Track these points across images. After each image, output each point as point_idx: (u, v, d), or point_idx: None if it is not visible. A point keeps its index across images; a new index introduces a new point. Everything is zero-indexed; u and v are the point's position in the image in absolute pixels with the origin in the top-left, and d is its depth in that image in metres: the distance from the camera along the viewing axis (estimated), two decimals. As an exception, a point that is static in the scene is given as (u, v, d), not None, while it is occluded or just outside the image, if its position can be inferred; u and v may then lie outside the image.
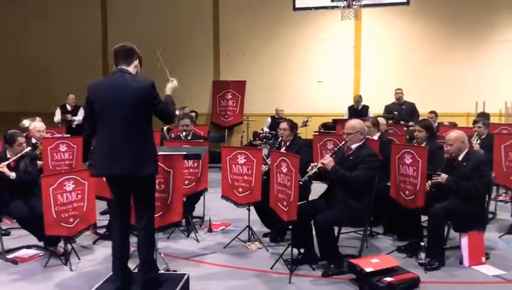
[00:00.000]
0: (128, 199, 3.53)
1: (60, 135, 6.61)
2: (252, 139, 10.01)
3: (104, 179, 4.40)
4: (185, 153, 4.05)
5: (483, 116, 7.45)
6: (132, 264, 3.76)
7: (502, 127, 6.96)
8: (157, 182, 3.86)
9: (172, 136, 6.73)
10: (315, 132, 8.82)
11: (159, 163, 3.65)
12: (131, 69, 3.46)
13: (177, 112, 6.82)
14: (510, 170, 5.04)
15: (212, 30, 11.63)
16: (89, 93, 3.46)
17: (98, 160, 3.45)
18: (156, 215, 3.86)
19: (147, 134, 3.47)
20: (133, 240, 3.72)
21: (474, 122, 6.51)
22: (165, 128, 7.10)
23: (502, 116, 10.20)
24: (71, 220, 4.34)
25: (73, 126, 9.37)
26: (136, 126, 3.38)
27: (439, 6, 10.52)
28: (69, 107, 9.60)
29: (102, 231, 5.29)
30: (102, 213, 5.85)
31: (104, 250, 4.82)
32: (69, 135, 7.03)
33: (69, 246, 4.50)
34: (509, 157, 5.04)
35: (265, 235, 5.22)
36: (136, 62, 3.49)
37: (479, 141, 6.05)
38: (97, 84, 3.51)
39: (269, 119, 10.12)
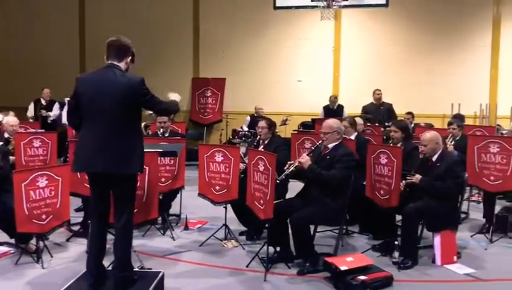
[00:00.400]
0: (109, 196, 3.48)
1: (33, 130, 6.48)
2: (231, 137, 10.00)
3: (79, 175, 4.37)
4: (160, 150, 4.01)
5: (458, 118, 7.61)
6: (106, 262, 3.71)
7: (476, 128, 7.10)
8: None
9: (150, 133, 6.68)
10: (294, 130, 8.85)
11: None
12: (123, 65, 3.40)
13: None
14: (483, 170, 5.14)
15: (192, 27, 11.55)
16: (76, 85, 3.40)
17: (81, 155, 3.37)
18: (131, 213, 3.82)
19: (134, 131, 3.42)
20: (109, 237, 3.68)
21: (449, 123, 6.63)
22: (143, 124, 7.04)
23: (477, 118, 10.43)
24: (44, 217, 4.27)
25: (49, 122, 9.21)
26: (123, 123, 3.32)
27: (418, 9, 10.67)
28: (43, 102, 9.43)
29: (76, 228, 5.21)
30: (77, 210, 5.77)
31: (78, 247, 4.75)
32: (43, 130, 6.90)
33: (41, 244, 4.42)
34: (482, 159, 5.14)
35: (241, 233, 5.21)
36: (128, 59, 3.43)
37: (453, 142, 6.17)
38: (86, 77, 3.44)
39: (248, 118, 10.11)
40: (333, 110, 9.80)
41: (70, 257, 4.55)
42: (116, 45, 3.39)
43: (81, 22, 12.01)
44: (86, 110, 3.34)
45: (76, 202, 5.60)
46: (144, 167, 3.95)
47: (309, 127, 9.47)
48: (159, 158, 4.90)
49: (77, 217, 5.39)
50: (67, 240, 4.99)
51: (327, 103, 10.26)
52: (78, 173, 4.62)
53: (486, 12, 10.41)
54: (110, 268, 3.67)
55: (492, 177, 5.08)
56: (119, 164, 3.30)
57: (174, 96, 3.71)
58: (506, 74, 10.35)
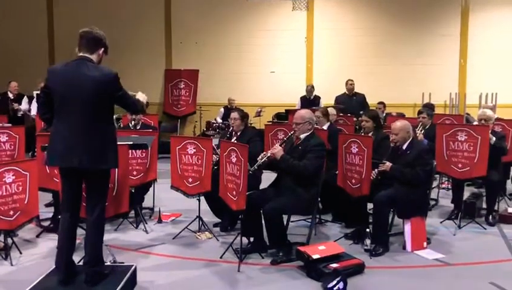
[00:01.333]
0: (81, 191, 3.44)
1: (0, 124, 6.31)
2: (205, 129, 9.96)
3: (48, 170, 4.28)
4: (130, 142, 3.95)
5: (428, 107, 7.75)
6: (77, 257, 3.66)
7: (445, 117, 7.25)
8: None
9: (122, 125, 6.58)
10: (268, 121, 8.87)
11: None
12: (95, 57, 3.33)
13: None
14: (451, 158, 5.25)
15: (163, 18, 11.40)
16: (47, 77, 3.32)
17: (55, 149, 3.30)
18: (101, 207, 3.77)
19: (108, 126, 3.37)
20: (80, 232, 3.63)
21: (419, 112, 6.75)
22: (114, 117, 6.91)
23: (447, 107, 10.65)
24: (11, 213, 4.17)
25: (19, 115, 8.98)
26: (97, 117, 3.26)
27: (389, -1, 10.81)
28: (11, 96, 9.18)
29: (47, 223, 5.11)
30: (48, 205, 5.67)
31: (48, 243, 4.66)
32: (10, 125, 6.72)
33: (9, 240, 4.32)
34: (450, 147, 5.25)
35: (215, 225, 5.21)
36: (101, 51, 3.37)
37: (423, 131, 6.29)
38: (57, 69, 3.34)
39: (222, 109, 10.09)
40: (310, 100, 9.83)
41: (41, 253, 4.47)
42: (89, 37, 3.32)
43: (50, 14, 11.70)
44: (58, 104, 3.27)
45: (47, 197, 5.50)
46: (114, 160, 3.92)
47: (283, 118, 9.50)
48: (130, 151, 4.86)
49: (48, 213, 5.30)
50: (38, 236, 4.89)
51: (302, 93, 10.30)
52: (47, 168, 4.55)
53: (455, 2, 10.61)
54: (80, 263, 3.61)
55: (460, 165, 5.20)
56: (96, 159, 3.26)
57: (141, 97, 3.66)
58: (474, 64, 10.60)
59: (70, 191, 3.39)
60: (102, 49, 3.37)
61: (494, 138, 5.28)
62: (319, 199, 5.11)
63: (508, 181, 6.70)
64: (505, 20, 10.43)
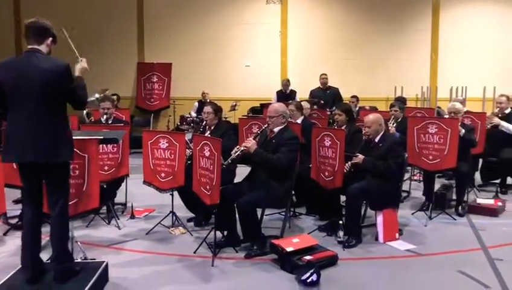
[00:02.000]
0: (41, 186, 3.36)
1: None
2: (178, 123, 9.87)
3: (15, 166, 4.15)
4: (101, 137, 3.87)
5: (400, 101, 7.86)
6: (44, 255, 3.57)
7: (416, 110, 7.35)
8: (71, 167, 3.69)
9: (93, 120, 6.46)
10: (243, 116, 8.85)
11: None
12: (43, 48, 3.25)
13: (97, 96, 6.56)
14: (422, 150, 5.34)
15: (136, 10, 11.21)
16: None
17: (9, 145, 3.22)
18: (70, 203, 3.69)
19: (61, 118, 3.29)
20: (46, 229, 3.54)
21: (391, 106, 6.85)
22: (85, 111, 6.79)
23: (419, 101, 10.83)
24: (-24, 210, 4.04)
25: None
26: (50, 110, 3.19)
27: (361, -6, 10.90)
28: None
29: (14, 221, 4.97)
30: (16, 202, 5.52)
31: (16, 241, 4.51)
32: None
33: (-25, 239, 4.20)
34: (421, 139, 5.34)
35: (189, 219, 5.17)
36: (49, 41, 3.28)
37: (395, 124, 6.37)
38: (6, 63, 3.25)
39: (196, 103, 10.01)
40: (286, 94, 9.83)
41: (8, 251, 4.35)
42: (35, 27, 3.24)
43: (16, 5, 11.33)
44: (10, 98, 3.18)
45: (14, 194, 5.34)
46: (83, 154, 3.84)
47: (258, 112, 9.49)
48: (100, 146, 4.76)
49: (15, 210, 5.16)
50: (5, 233, 4.76)
51: (276, 88, 10.31)
52: (14, 164, 4.41)
53: (425, -2, 10.79)
54: (48, 261, 3.53)
55: (430, 157, 5.29)
56: (50, 153, 3.19)
57: (80, 65, 3.48)
58: (445, 58, 10.82)
59: (30, 186, 3.32)
60: (50, 38, 3.29)
61: (463, 131, 5.39)
62: (293, 192, 5.13)
63: (477, 173, 6.85)
64: (475, 16, 10.67)
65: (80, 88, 3.33)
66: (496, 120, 6.37)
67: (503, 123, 6.38)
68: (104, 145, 4.93)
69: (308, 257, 3.89)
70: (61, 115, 3.29)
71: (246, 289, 3.63)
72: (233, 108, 9.93)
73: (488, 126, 6.37)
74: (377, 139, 4.74)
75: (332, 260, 4.02)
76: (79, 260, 3.73)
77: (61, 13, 10.06)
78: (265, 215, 4.93)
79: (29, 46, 3.23)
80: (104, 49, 10.85)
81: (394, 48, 10.88)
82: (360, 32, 10.96)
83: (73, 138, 3.46)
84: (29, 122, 3.15)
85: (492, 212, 5.46)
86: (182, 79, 11.12)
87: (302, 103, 6.47)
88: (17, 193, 5.25)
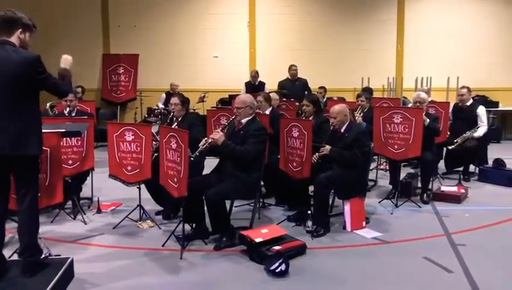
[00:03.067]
0: (8, 180, 3.28)
1: None
2: (146, 115, 9.72)
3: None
4: (63, 130, 3.77)
5: (367, 91, 7.97)
6: (8, 251, 3.47)
7: (383, 100, 7.47)
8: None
9: (56, 112, 6.28)
10: (212, 107, 8.79)
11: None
12: (14, 39, 3.17)
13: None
14: (388, 140, 5.43)
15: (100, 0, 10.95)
16: None
17: None
18: (33, 198, 3.59)
19: (31, 111, 3.22)
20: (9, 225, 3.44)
21: (358, 96, 6.93)
22: (48, 104, 6.59)
23: (385, 91, 11.01)
24: None
25: None
26: (19, 102, 3.12)
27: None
28: None
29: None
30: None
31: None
32: None
33: None
34: (387, 129, 5.42)
35: (157, 213, 5.11)
36: (19, 32, 3.18)
37: (361, 114, 6.45)
38: None
39: (164, 95, 9.88)
40: (255, 85, 9.81)
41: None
42: (3, 19, 3.16)
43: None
44: None
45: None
46: (45, 148, 3.73)
47: (227, 103, 9.45)
48: (64, 139, 4.65)
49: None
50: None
51: (244, 79, 10.27)
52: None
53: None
54: (15, 257, 3.44)
55: (396, 146, 5.39)
56: (17, 146, 3.11)
57: (66, 62, 3.49)
58: (410, 48, 11.01)
59: None
60: (20, 29, 3.20)
61: (428, 120, 5.51)
62: (263, 183, 5.14)
63: (442, 161, 7.03)
64: (439, 7, 10.87)
65: (63, 77, 3.38)
66: (468, 134, 6.57)
67: (475, 135, 6.62)
68: (68, 139, 4.81)
69: (277, 247, 3.90)
70: (32, 107, 3.23)
71: (214, 281, 3.62)
72: (201, 100, 9.85)
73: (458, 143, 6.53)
74: (342, 130, 4.78)
75: (301, 250, 4.06)
76: (42, 257, 3.63)
77: (23, 6, 9.73)
78: (235, 206, 4.93)
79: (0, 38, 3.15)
80: (69, 42, 10.55)
81: (361, 39, 10.99)
82: (327, 23, 11.02)
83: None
84: None
85: (455, 199, 5.61)
86: (149, 70, 10.95)
87: (270, 94, 6.46)
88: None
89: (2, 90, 3.07)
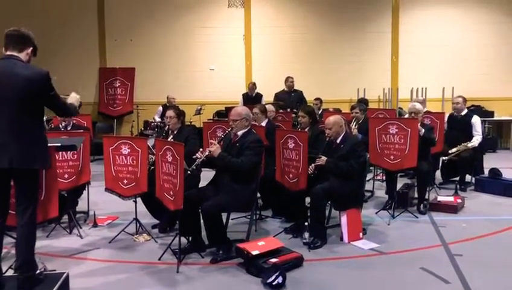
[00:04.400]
0: (8, 195, 3.31)
1: None
2: (142, 128, 9.72)
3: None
4: (58, 144, 3.77)
5: (362, 102, 8.01)
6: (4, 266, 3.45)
7: (378, 111, 7.50)
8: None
9: (52, 126, 6.27)
10: (208, 119, 8.80)
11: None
12: (23, 56, 3.25)
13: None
14: (383, 150, 5.45)
15: (96, 14, 11.00)
16: None
17: None
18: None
19: (37, 125, 3.28)
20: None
21: (352, 108, 6.97)
22: (44, 118, 6.58)
23: (381, 102, 11.06)
24: None
25: None
26: (26, 116, 3.18)
27: (322, -3, 11.06)
28: None
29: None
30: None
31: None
32: None
33: None
34: (383, 140, 5.44)
35: (154, 226, 5.09)
36: (29, 50, 3.28)
37: (357, 126, 6.47)
38: None
39: (160, 108, 9.90)
40: (252, 97, 9.84)
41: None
42: (16, 35, 3.24)
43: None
44: None
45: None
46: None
47: (223, 115, 9.47)
48: (60, 153, 4.65)
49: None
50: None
51: (241, 91, 10.31)
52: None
53: (386, 1, 11.03)
54: (11, 273, 3.42)
55: (392, 157, 5.40)
56: (26, 159, 3.17)
57: (73, 99, 3.70)
58: (405, 59, 11.10)
59: None
60: (31, 48, 3.30)
61: (423, 130, 5.53)
62: (259, 195, 5.13)
63: (438, 171, 7.04)
64: (433, 19, 10.99)
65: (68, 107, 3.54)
66: (463, 146, 6.61)
67: (470, 145, 6.65)
68: (64, 153, 4.82)
69: (273, 260, 3.89)
70: (38, 122, 3.30)
71: (211, 295, 3.60)
72: (198, 112, 9.88)
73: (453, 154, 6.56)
74: (338, 141, 4.80)
75: (298, 262, 4.04)
76: (37, 272, 3.60)
77: (21, 19, 9.80)
78: (231, 219, 4.92)
79: (8, 53, 3.22)
80: (66, 56, 10.62)
81: (356, 50, 11.07)
82: (322, 35, 11.11)
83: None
84: (5, 128, 3.13)
85: (452, 209, 5.62)
86: (146, 84, 10.98)
87: (266, 106, 6.49)
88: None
89: (12, 105, 3.13)
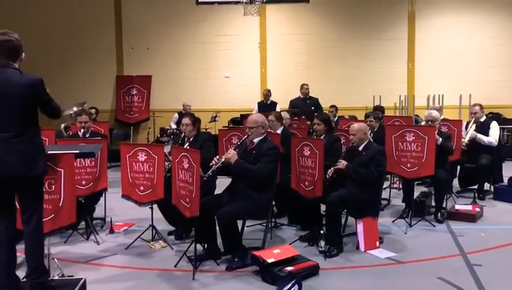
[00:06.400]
0: (14, 201, 3.33)
1: None
2: (159, 135, 9.80)
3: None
4: (76, 151, 3.82)
5: (378, 110, 7.95)
6: (20, 273, 3.48)
7: (394, 119, 7.44)
8: (47, 183, 3.67)
9: (71, 133, 6.37)
10: (223, 127, 8.84)
11: (49, 163, 3.50)
12: (18, 64, 3.30)
13: (75, 109, 6.47)
14: (400, 158, 5.40)
15: (114, 23, 11.17)
16: None
17: None
18: (47, 219, 3.66)
19: (34, 131, 3.31)
20: (20, 246, 3.46)
21: (366, 116, 6.91)
22: (62, 125, 6.70)
23: (397, 109, 10.97)
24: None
25: None
26: (24, 123, 3.22)
27: (337, 5, 11.06)
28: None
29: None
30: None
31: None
32: None
33: None
34: (399, 147, 5.40)
35: (170, 233, 5.11)
36: (22, 56, 3.35)
37: (371, 134, 6.42)
38: None
39: (176, 115, 9.97)
40: (267, 105, 9.85)
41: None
42: (9, 46, 3.26)
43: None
44: None
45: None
46: (59, 169, 3.78)
47: (238, 123, 9.50)
48: (78, 160, 4.70)
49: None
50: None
51: (256, 98, 10.34)
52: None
53: (402, 8, 10.99)
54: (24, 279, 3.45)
55: (409, 165, 5.35)
56: (27, 166, 3.19)
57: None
58: (421, 66, 11.02)
59: (3, 202, 3.27)
60: (23, 54, 3.36)
61: (440, 139, 5.47)
62: (274, 203, 5.12)
63: (455, 179, 6.95)
64: (449, 25, 10.90)
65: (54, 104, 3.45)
66: (473, 133, 6.51)
67: (480, 136, 6.58)
68: (82, 159, 4.87)
69: (289, 268, 3.87)
70: (36, 127, 3.33)
71: (227, 302, 3.60)
72: (213, 119, 9.93)
73: (466, 142, 6.46)
74: (360, 148, 4.78)
75: (313, 270, 4.02)
76: (56, 277, 3.65)
77: (40, 30, 9.99)
78: (247, 226, 4.91)
79: (2, 62, 3.24)
80: (84, 64, 10.77)
81: (372, 57, 11.03)
82: (338, 42, 11.09)
83: (49, 152, 3.45)
84: (4, 136, 3.15)
85: (470, 218, 5.53)
86: (162, 91, 11.09)
87: (282, 113, 6.49)
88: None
89: (11, 112, 3.17)
